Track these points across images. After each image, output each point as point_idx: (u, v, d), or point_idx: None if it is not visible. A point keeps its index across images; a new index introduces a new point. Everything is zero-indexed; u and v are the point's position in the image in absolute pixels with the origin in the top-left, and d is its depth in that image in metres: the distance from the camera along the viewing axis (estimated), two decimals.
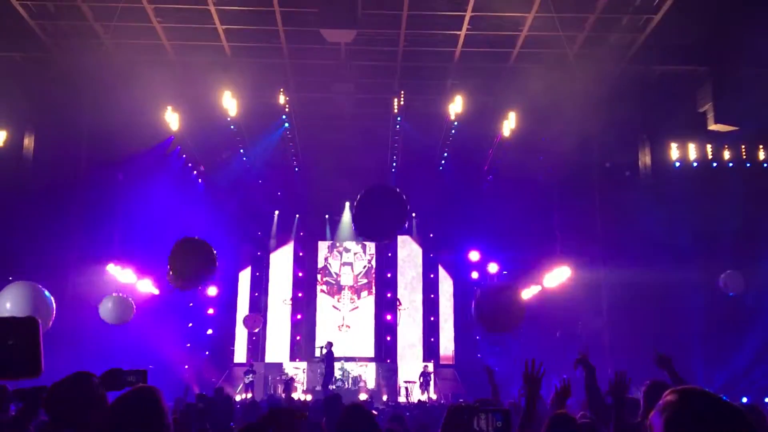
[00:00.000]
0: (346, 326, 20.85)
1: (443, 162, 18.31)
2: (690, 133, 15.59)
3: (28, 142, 15.59)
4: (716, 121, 13.62)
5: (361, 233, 7.97)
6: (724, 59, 13.44)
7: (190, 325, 19.28)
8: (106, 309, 13.05)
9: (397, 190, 8.42)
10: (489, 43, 14.18)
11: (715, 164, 16.13)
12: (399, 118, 16.35)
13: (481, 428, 2.30)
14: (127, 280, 16.19)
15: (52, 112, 14.64)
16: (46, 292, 9.52)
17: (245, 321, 18.90)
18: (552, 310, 16.63)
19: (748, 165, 16.20)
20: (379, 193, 8.39)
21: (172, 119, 15.24)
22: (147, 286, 17.05)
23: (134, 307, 13.47)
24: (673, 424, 1.67)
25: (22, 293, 9.28)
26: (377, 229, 8.20)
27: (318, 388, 17.88)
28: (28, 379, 2.57)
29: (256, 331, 18.92)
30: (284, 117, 16.25)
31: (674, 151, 16.19)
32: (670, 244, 14.63)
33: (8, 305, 8.89)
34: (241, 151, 17.74)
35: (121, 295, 13.51)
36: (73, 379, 3.06)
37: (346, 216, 21.18)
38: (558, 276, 16.16)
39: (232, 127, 16.14)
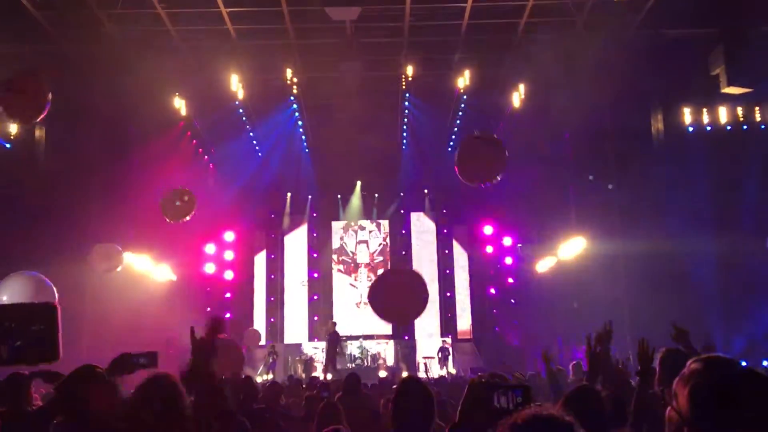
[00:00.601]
0: (364, 303, 20.93)
1: (453, 136, 18.22)
2: (703, 96, 15.39)
3: (40, 133, 15.67)
4: (729, 84, 13.41)
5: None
6: (735, 20, 13.21)
7: (209, 309, 19.44)
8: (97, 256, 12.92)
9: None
10: (496, 15, 14.01)
11: (729, 127, 15.92)
12: (407, 94, 16.25)
13: (501, 405, 2.30)
14: (144, 266, 16.34)
15: (62, 103, 14.66)
16: (46, 281, 9.49)
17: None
18: (568, 281, 16.61)
19: (763, 127, 15.98)
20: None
21: (181, 105, 15.26)
22: (164, 272, 17.21)
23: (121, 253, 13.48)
24: (698, 393, 1.65)
25: (20, 285, 9.20)
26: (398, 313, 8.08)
27: (339, 366, 18.04)
28: (45, 364, 2.56)
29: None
30: (292, 98, 16.21)
31: (687, 116, 15.99)
32: (686, 210, 14.52)
33: (5, 298, 8.84)
34: (251, 134, 17.74)
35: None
36: (79, 375, 3.03)
37: (357, 195, 21.19)
38: (573, 247, 16.12)
39: (240, 110, 16.13)
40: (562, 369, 9.33)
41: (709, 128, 15.96)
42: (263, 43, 14.57)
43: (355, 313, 20.43)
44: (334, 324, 17.90)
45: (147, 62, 13.55)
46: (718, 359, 1.71)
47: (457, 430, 2.43)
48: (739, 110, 15.85)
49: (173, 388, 2.78)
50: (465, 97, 15.74)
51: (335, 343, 17.45)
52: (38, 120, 8.45)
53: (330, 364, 17.07)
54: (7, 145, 15.43)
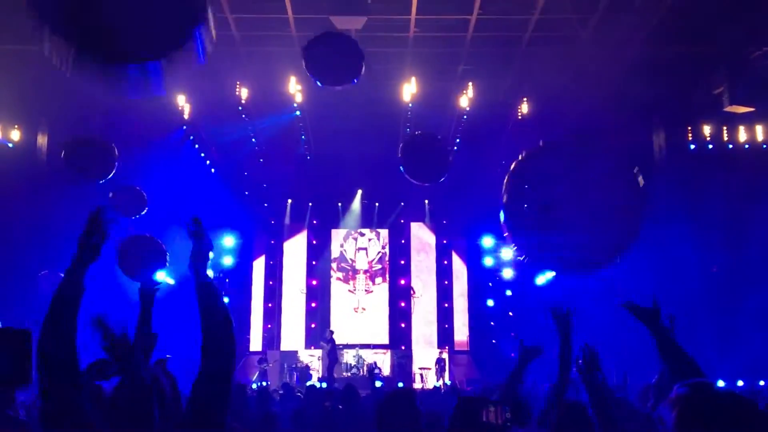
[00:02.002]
0: (362, 308, 20.91)
1: (455, 148, 18.23)
2: (705, 115, 15.42)
3: (42, 139, 15.71)
4: (731, 103, 13.46)
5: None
6: (738, 39, 13.26)
7: None
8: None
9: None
10: (500, 28, 14.06)
11: (730, 146, 15.95)
12: (410, 105, 16.28)
13: (490, 420, 2.28)
14: None
15: (65, 109, 14.72)
16: None
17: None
18: (568, 294, 16.54)
19: (765, 146, 16.02)
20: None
21: (184, 109, 15.30)
22: (162, 276, 17.14)
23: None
24: (685, 418, 1.66)
25: None
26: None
27: (335, 375, 18.00)
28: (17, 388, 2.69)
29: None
30: (295, 105, 16.24)
31: (689, 134, 16.02)
32: (687, 228, 14.53)
33: None
34: (253, 140, 17.76)
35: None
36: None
37: (356, 203, 21.19)
38: None
39: (243, 116, 16.16)
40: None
41: (710, 146, 15.99)
42: (268, 49, 14.61)
43: (352, 323, 20.40)
44: (332, 332, 17.88)
45: None
46: (704, 384, 1.73)
47: None
48: (741, 129, 15.89)
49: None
50: (468, 108, 15.75)
51: (333, 351, 17.44)
52: None
53: (327, 372, 17.04)
54: (10, 145, 15.48)
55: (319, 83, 7.78)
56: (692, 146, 16.02)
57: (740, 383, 12.90)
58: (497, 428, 2.33)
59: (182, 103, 15.48)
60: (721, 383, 12.83)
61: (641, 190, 3.88)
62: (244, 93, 14.95)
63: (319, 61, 7.34)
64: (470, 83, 14.92)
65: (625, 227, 3.92)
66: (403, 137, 8.48)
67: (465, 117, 16.27)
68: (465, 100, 15.35)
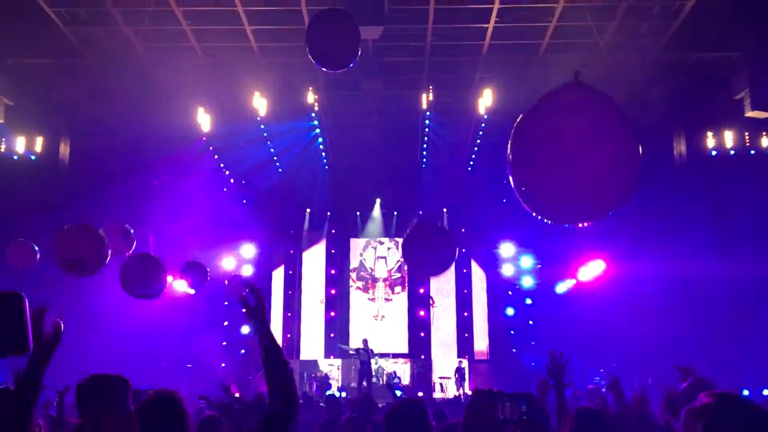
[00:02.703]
0: (381, 316, 20.88)
1: (473, 156, 18.21)
2: (726, 120, 15.27)
3: (64, 148, 15.92)
4: (753, 108, 13.33)
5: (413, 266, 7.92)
6: (759, 44, 13.13)
7: (226, 323, 19.49)
8: None
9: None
10: (517, 36, 14.05)
11: (753, 152, 15.77)
12: (428, 113, 16.30)
13: (505, 415, 2.26)
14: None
15: (87, 118, 14.93)
16: None
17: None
18: (587, 303, 16.47)
19: None
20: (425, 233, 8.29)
21: (204, 121, 15.43)
22: (182, 287, 17.27)
23: None
24: (712, 429, 1.64)
25: None
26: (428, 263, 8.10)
27: (353, 384, 17.98)
28: (16, 356, 2.45)
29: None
30: (313, 115, 16.32)
31: (710, 139, 15.87)
32: (709, 234, 14.37)
33: None
34: (272, 150, 17.86)
35: None
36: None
37: (376, 212, 21.21)
38: (593, 269, 16.00)
39: (262, 126, 16.27)
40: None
41: (732, 152, 15.82)
42: (286, 60, 14.71)
43: (372, 332, 20.37)
44: (366, 341, 17.92)
45: (172, 78, 13.74)
46: (728, 395, 1.71)
47: None
48: (764, 134, 15.71)
49: (179, 407, 2.80)
50: (486, 116, 15.74)
51: (368, 359, 17.46)
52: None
53: (359, 383, 17.03)
54: (33, 157, 15.70)
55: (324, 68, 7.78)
56: (713, 152, 15.85)
57: (766, 392, 12.70)
58: (512, 423, 2.32)
59: (202, 114, 15.63)
60: (745, 392, 12.65)
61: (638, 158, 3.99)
62: (262, 104, 15.05)
63: (321, 45, 7.36)
64: (488, 91, 14.91)
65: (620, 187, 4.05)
66: (409, 228, 8.47)
67: (483, 125, 16.24)
68: (482, 108, 15.33)
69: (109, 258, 8.65)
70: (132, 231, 10.66)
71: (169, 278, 16.42)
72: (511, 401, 2.27)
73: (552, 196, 4.05)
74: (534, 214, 4.20)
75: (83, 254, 8.12)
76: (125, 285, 9.23)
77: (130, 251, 10.53)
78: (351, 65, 7.49)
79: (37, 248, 11.70)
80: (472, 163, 18.52)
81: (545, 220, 4.31)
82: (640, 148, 4.06)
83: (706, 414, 1.66)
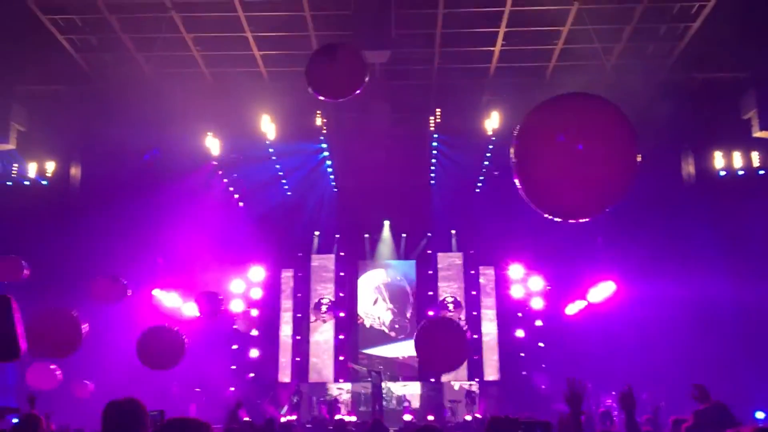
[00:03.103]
0: (390, 339, 20.81)
1: (482, 177, 18.23)
2: (734, 141, 15.26)
3: (75, 171, 16.06)
4: (761, 128, 13.33)
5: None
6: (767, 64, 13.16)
7: (235, 347, 19.45)
8: None
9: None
10: (524, 58, 14.14)
11: (762, 172, 15.73)
12: (436, 135, 16.36)
13: None
14: (173, 304, 16.46)
15: (98, 143, 15.07)
16: None
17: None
18: (598, 325, 16.37)
19: None
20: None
21: (213, 144, 15.55)
22: (192, 310, 17.29)
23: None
24: None
25: None
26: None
27: (362, 408, 17.87)
28: (7, 362, 2.32)
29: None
30: (321, 138, 16.41)
31: (719, 160, 15.84)
32: (718, 254, 14.29)
33: None
34: (280, 173, 17.95)
35: None
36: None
37: (386, 234, 21.22)
38: (603, 291, 15.91)
39: (270, 149, 16.37)
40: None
41: (741, 173, 15.78)
42: (294, 84, 14.83)
43: (381, 354, 20.29)
44: (378, 366, 17.88)
45: (181, 103, 13.89)
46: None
47: None
48: None
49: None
50: (493, 138, 15.79)
51: (379, 383, 17.40)
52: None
53: (372, 407, 16.94)
54: (44, 182, 15.85)
55: (322, 98, 7.83)
56: (722, 173, 15.82)
57: None
58: None
59: (211, 138, 15.75)
60: (760, 414, 12.49)
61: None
62: (271, 128, 15.17)
63: (322, 76, 7.41)
64: (495, 113, 14.98)
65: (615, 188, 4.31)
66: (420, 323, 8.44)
67: (490, 147, 16.29)
68: (490, 129, 15.40)
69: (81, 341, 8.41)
70: (125, 282, 10.72)
71: (179, 301, 16.50)
72: (527, 428, 2.27)
73: (553, 193, 4.21)
74: (537, 210, 4.34)
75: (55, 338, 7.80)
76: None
77: (122, 298, 10.60)
78: (355, 93, 7.52)
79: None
80: (480, 184, 18.53)
81: (547, 216, 4.46)
82: (638, 154, 4.24)
83: None
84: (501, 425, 2.34)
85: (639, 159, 4.27)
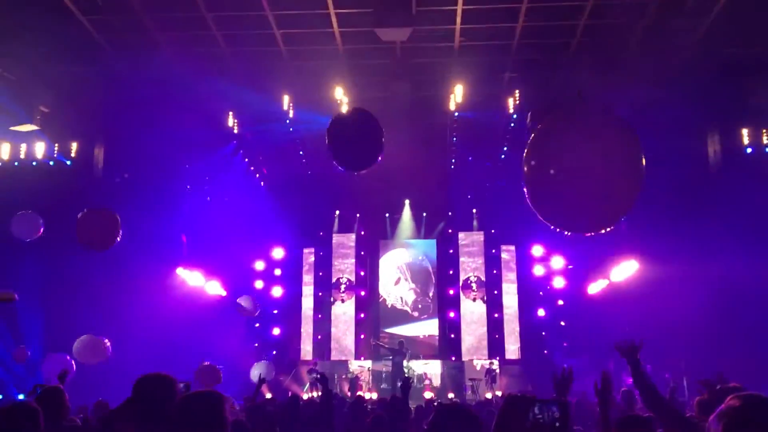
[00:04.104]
0: (411, 318, 20.89)
1: (503, 156, 18.09)
2: (762, 118, 14.98)
3: (98, 152, 16.21)
4: None
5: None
6: None
7: (257, 325, 19.66)
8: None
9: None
10: (547, 35, 13.93)
11: None
12: (456, 114, 16.25)
13: (537, 419, 2.25)
14: (196, 282, 16.66)
15: (121, 124, 15.18)
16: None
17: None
18: (621, 304, 16.28)
19: None
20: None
21: (234, 123, 15.61)
22: (215, 288, 17.49)
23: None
24: (732, 429, 1.61)
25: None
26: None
27: (383, 386, 18.01)
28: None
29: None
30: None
31: (746, 138, 15.57)
32: (744, 233, 14.09)
33: None
34: (301, 152, 17.96)
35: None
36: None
37: (406, 213, 21.22)
38: (625, 270, 15.80)
39: (291, 129, 16.39)
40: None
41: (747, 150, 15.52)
42: (314, 63, 14.80)
43: (401, 333, 20.38)
44: (402, 343, 17.98)
45: (201, 81, 13.91)
46: (756, 397, 1.67)
47: None
48: None
49: (217, 408, 2.84)
50: (515, 115, 15.64)
51: (401, 361, 17.55)
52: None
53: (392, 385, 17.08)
54: (68, 162, 16.02)
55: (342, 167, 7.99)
56: (748, 150, 15.55)
57: None
58: (545, 427, 2.30)
59: (232, 118, 15.80)
60: None
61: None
62: (291, 107, 15.17)
63: (342, 143, 7.51)
64: (517, 91, 14.82)
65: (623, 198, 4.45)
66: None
67: (512, 125, 16.15)
68: (512, 107, 15.25)
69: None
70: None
71: (202, 280, 16.67)
72: (543, 406, 2.26)
73: (564, 207, 4.35)
74: (548, 224, 4.50)
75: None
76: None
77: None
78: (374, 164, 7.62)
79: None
80: (501, 163, 18.40)
81: (558, 230, 4.63)
82: (643, 160, 4.30)
83: (728, 415, 1.63)
84: (517, 403, 2.33)
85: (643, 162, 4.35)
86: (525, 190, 4.45)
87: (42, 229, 12.13)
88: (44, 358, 13.10)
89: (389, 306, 21.14)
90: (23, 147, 15.67)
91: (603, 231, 4.64)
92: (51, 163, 15.78)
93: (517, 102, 15.25)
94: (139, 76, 14.07)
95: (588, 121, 4.44)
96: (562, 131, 4.45)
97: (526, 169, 4.48)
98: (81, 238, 9.81)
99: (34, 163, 15.78)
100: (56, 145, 15.80)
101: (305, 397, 16.25)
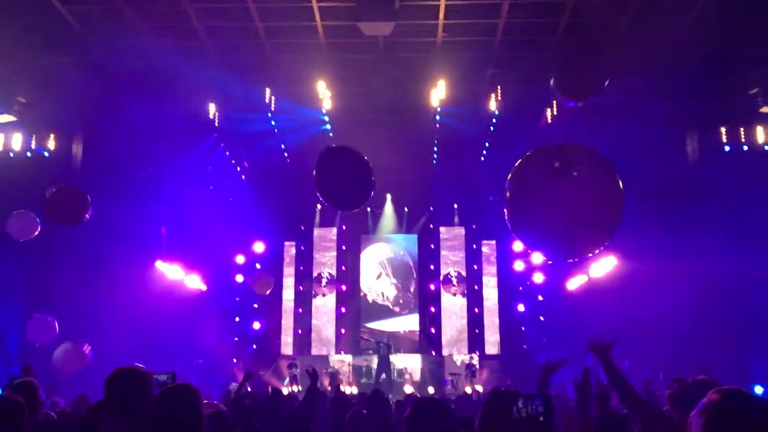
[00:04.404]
0: (392, 313, 20.93)
1: (484, 152, 18.16)
2: (740, 116, 15.15)
3: (76, 144, 16.01)
4: (767, 104, 13.22)
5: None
6: None
7: (237, 319, 19.59)
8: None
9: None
10: (529, 32, 13.99)
11: (766, 147, 15.65)
12: (439, 109, 16.27)
13: (521, 414, 2.27)
14: (175, 276, 16.55)
15: (100, 115, 15.01)
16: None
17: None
18: (599, 300, 16.43)
19: None
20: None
21: (215, 115, 15.51)
22: (194, 282, 17.40)
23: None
24: (712, 424, 1.62)
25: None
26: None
27: (363, 380, 18.04)
28: None
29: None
30: (323, 111, 16.32)
31: (724, 136, 15.75)
32: (721, 229, 14.28)
33: None
34: (282, 145, 17.89)
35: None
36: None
37: (388, 208, 21.22)
38: (604, 265, 15.94)
39: (272, 122, 16.31)
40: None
41: (746, 148, 15.70)
42: (297, 57, 14.73)
43: (382, 328, 20.42)
44: (389, 337, 18.09)
45: (182, 73, 13.79)
46: (737, 392, 1.68)
47: None
48: None
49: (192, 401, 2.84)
50: (497, 111, 15.70)
51: (387, 354, 17.63)
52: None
53: (376, 379, 17.18)
54: (46, 154, 15.82)
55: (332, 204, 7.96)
56: (727, 148, 15.74)
57: None
58: (529, 421, 2.32)
59: (213, 110, 15.69)
60: (759, 389, 12.58)
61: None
62: (273, 100, 15.10)
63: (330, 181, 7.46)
64: (499, 87, 14.87)
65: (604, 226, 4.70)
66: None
67: (494, 120, 16.21)
68: (494, 103, 15.30)
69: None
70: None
71: (182, 273, 16.56)
72: (527, 401, 2.28)
73: (546, 238, 4.55)
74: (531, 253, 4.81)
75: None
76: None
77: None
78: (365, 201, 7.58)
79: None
80: (483, 158, 18.46)
81: (542, 258, 4.93)
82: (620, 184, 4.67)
83: (708, 410, 1.64)
84: (501, 397, 2.35)
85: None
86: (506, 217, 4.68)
87: (39, 229, 12.08)
88: (29, 320, 12.95)
89: (370, 301, 21.15)
90: (0, 138, 15.44)
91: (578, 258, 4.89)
92: (29, 154, 15.56)
93: (500, 98, 15.29)
94: (118, 67, 13.92)
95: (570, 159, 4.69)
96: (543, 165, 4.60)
97: (508, 195, 4.76)
98: (51, 211, 10.04)
99: (11, 155, 15.56)
100: (34, 136, 15.57)
101: (285, 391, 16.22)
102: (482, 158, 18.44)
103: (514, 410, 2.28)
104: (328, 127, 17.36)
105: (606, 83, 8.86)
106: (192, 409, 2.81)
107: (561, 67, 8.06)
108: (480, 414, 2.54)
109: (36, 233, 12.04)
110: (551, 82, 8.30)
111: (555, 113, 15.20)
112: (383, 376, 17.59)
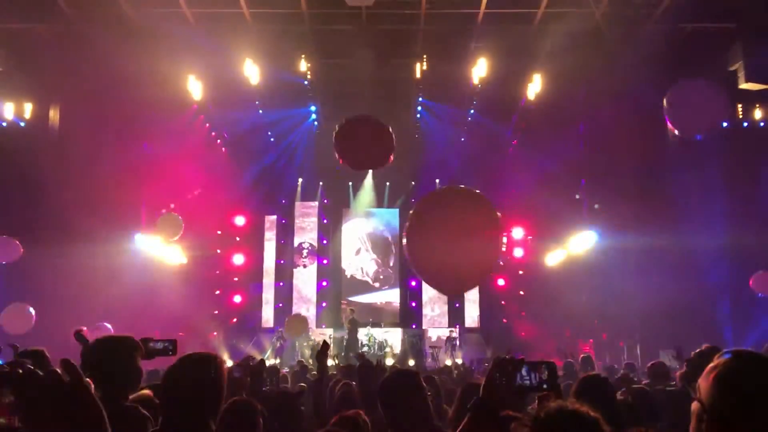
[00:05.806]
0: (373, 287, 21.00)
1: (467, 128, 18.14)
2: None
3: (54, 114, 15.73)
4: (747, 80, 13.28)
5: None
6: (754, 15, 13.04)
7: (218, 292, 19.54)
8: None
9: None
10: (513, 4, 13.91)
11: (745, 124, 15.77)
12: (421, 84, 16.19)
13: (525, 382, 2.28)
14: (155, 249, 16.44)
15: (77, 84, 14.74)
16: None
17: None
18: (578, 274, 16.60)
19: None
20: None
21: (195, 88, 15.29)
22: (175, 255, 17.30)
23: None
24: (722, 379, 1.62)
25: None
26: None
27: (342, 354, 18.14)
28: None
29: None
30: (306, 84, 16.17)
31: None
32: (699, 205, 14.43)
33: None
34: (264, 119, 17.72)
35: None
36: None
37: (368, 181, 21.16)
38: (584, 241, 16.07)
39: (253, 95, 16.13)
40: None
41: (725, 125, 15.79)
42: (278, 27, 14.54)
43: (363, 301, 20.50)
44: (353, 311, 18.12)
45: (163, 45, 13.56)
46: (746, 352, 1.69)
47: (479, 406, 2.38)
48: (757, 107, 15.69)
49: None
50: (480, 86, 15.65)
51: (355, 330, 17.70)
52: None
53: (350, 351, 17.22)
54: (22, 124, 15.53)
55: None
56: None
57: None
58: (533, 389, 2.34)
59: (193, 81, 15.46)
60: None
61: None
62: (254, 71, 14.92)
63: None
64: (482, 60, 14.80)
65: None
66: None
67: (476, 95, 16.16)
68: (477, 77, 15.24)
69: None
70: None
71: (162, 246, 16.44)
72: (532, 368, 2.29)
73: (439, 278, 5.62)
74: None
75: None
76: None
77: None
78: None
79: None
80: (465, 133, 18.45)
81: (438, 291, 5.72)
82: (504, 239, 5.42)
83: (719, 368, 1.65)
84: (505, 365, 2.35)
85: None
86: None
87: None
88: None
89: (349, 277, 21.19)
90: None
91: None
92: (4, 124, 15.27)
93: (482, 72, 15.24)
94: (97, 35, 13.65)
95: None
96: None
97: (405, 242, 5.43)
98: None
99: None
100: (10, 105, 15.27)
101: (268, 363, 16.26)
102: (464, 133, 18.43)
103: (518, 377, 2.29)
104: (312, 103, 17.24)
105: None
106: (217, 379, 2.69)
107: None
108: (483, 381, 2.55)
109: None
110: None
111: (538, 89, 15.17)
112: (362, 346, 17.75)
